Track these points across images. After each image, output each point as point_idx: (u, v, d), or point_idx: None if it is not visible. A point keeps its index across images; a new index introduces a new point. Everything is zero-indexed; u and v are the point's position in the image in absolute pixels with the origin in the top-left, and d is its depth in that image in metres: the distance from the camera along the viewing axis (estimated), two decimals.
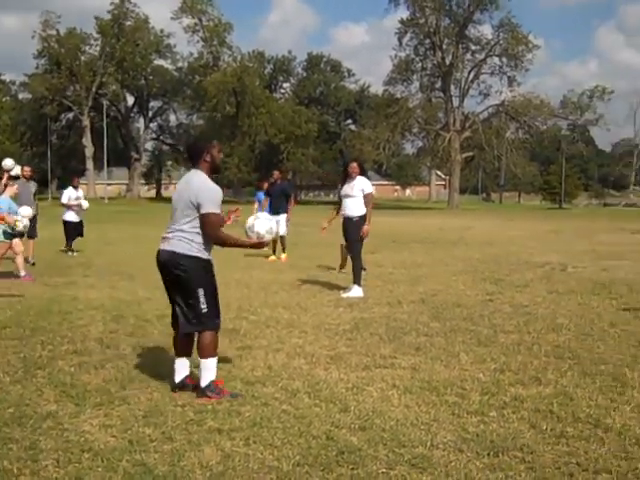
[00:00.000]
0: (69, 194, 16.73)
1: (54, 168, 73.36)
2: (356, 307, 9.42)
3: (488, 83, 68.08)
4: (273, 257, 15.85)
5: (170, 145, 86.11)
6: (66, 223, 16.61)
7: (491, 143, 65.81)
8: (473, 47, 67.33)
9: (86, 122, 72.35)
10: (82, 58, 72.70)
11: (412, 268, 13.91)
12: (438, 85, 68.83)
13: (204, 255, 5.38)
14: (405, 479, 3.85)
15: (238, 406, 5.05)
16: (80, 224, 16.80)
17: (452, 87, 67.24)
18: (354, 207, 10.49)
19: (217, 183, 5.44)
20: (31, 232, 13.64)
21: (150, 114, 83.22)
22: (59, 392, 5.39)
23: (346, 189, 10.64)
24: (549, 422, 4.75)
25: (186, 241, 5.32)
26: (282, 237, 15.83)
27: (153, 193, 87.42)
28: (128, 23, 73.16)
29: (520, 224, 34.57)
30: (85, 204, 16.76)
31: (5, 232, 11.55)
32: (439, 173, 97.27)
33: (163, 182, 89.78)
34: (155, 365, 6.18)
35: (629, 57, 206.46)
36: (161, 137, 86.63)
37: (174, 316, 5.59)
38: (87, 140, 72.31)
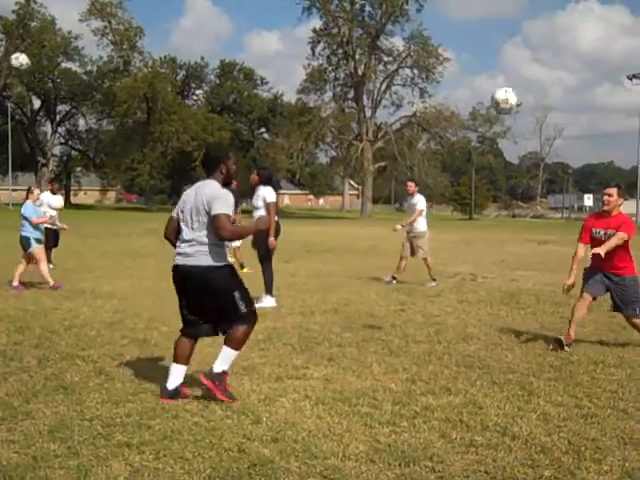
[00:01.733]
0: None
1: None
2: (269, 317, 9.34)
3: (400, 94, 69.11)
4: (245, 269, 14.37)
5: (79, 151, 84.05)
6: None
7: (403, 153, 66.66)
8: (385, 58, 68.14)
9: None
10: None
11: (325, 277, 13.94)
12: (351, 95, 69.35)
13: (227, 261, 5.53)
14: None
15: (148, 419, 4.94)
16: (55, 233, 16.01)
17: (365, 97, 67.93)
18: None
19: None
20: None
21: (58, 118, 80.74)
22: None
23: (253, 200, 10.67)
24: (459, 431, 4.82)
25: (210, 253, 5.35)
26: (236, 249, 14.91)
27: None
28: (34, 24, 70.73)
29: (432, 234, 34.99)
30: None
31: (38, 239, 11.93)
32: (352, 183, 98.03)
33: (72, 188, 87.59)
34: (61, 378, 5.99)
35: (534, 72, 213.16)
36: (70, 142, 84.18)
37: (187, 322, 5.62)
38: None
